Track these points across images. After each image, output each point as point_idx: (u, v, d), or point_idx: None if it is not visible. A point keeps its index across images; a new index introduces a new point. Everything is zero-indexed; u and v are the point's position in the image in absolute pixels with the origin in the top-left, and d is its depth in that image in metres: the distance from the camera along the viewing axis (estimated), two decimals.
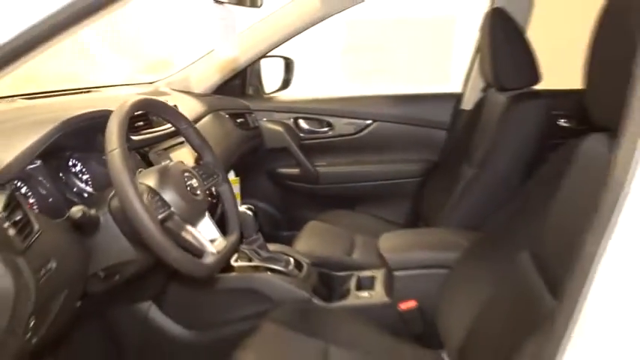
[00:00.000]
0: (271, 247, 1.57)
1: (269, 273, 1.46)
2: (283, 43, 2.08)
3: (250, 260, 1.49)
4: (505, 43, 1.60)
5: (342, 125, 2.18)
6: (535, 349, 0.77)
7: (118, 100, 1.32)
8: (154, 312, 1.48)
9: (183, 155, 1.47)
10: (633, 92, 0.62)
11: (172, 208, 1.04)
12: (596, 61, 0.89)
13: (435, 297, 1.32)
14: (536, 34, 1.79)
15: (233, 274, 1.46)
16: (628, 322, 0.62)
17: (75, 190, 1.16)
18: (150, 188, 1.03)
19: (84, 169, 1.21)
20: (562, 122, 1.98)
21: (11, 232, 0.82)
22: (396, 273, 1.42)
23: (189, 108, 1.73)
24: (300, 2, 2.01)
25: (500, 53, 1.60)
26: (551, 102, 1.55)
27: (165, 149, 1.41)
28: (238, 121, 2.07)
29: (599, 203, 0.63)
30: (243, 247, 1.50)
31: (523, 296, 1.00)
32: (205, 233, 1.13)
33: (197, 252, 1.06)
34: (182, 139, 1.48)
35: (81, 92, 1.63)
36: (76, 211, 0.97)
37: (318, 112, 2.20)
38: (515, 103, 1.55)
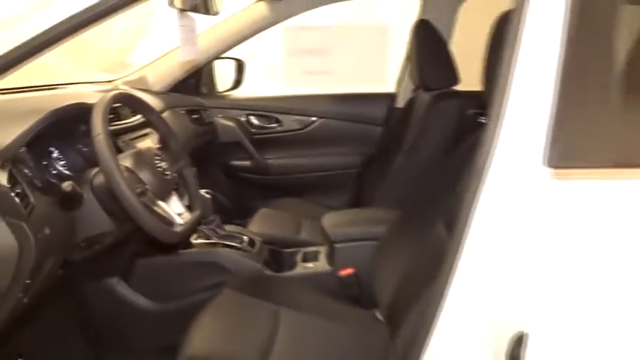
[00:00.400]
0: (227, 227, 1.76)
1: (226, 249, 1.65)
2: (235, 46, 2.26)
3: (208, 238, 1.67)
4: (429, 49, 1.86)
5: (289, 121, 2.38)
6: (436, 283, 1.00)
7: (87, 96, 1.49)
8: (121, 286, 1.62)
9: (147, 145, 1.64)
10: (496, 86, 0.87)
11: (147, 186, 1.22)
12: (488, 66, 1.15)
13: (369, 265, 1.55)
14: (462, 44, 2.06)
15: (194, 249, 1.64)
16: (495, 248, 0.86)
17: (54, 172, 1.32)
18: (127, 168, 1.21)
19: (61, 156, 1.37)
20: (482, 119, 2.26)
21: (17, 200, 0.99)
22: (337, 245, 1.65)
23: None
24: (251, 9, 2.21)
25: (424, 58, 1.85)
26: (467, 100, 1.82)
27: (132, 139, 1.57)
28: (194, 117, 2.23)
29: (473, 169, 0.88)
30: (202, 227, 1.68)
31: (437, 256, 1.23)
32: (173, 208, 1.32)
33: (167, 222, 1.24)
34: (146, 131, 1.65)
35: (48, 89, 1.76)
36: (67, 185, 1.14)
37: (268, 109, 2.40)
38: (437, 101, 1.81)
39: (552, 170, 0.82)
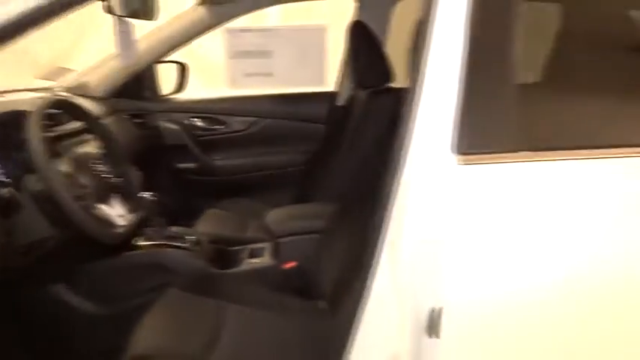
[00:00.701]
0: (173, 228, 1.78)
1: (170, 249, 1.67)
2: (176, 49, 2.28)
3: (153, 240, 1.69)
4: (364, 49, 1.93)
5: (234, 123, 2.42)
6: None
7: (24, 103, 1.49)
8: (65, 292, 1.61)
9: (87, 150, 1.64)
10: (411, 81, 0.94)
11: (87, 189, 1.24)
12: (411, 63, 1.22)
13: (312, 257, 1.61)
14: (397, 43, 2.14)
15: (138, 252, 1.65)
16: (413, 231, 0.94)
17: None
18: (66, 173, 1.23)
19: None
20: None
21: None
22: (281, 240, 1.70)
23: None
24: (191, 13, 2.23)
25: (359, 58, 1.92)
26: (401, 96, 1.89)
27: (72, 144, 1.57)
28: (137, 121, 2.24)
29: (393, 158, 0.95)
30: (146, 229, 1.70)
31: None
32: (115, 210, 1.34)
33: (108, 224, 1.27)
34: (87, 136, 1.66)
35: None
36: (5, 191, 1.15)
37: (211, 111, 2.43)
38: (372, 98, 1.89)
39: (460, 156, 0.91)
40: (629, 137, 1.02)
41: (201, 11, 2.22)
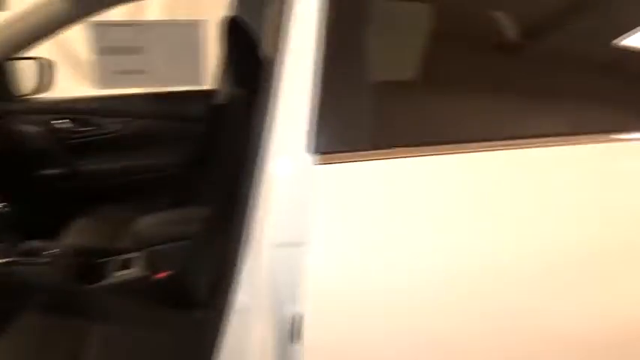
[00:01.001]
0: (32, 242, 1.61)
1: (26, 266, 1.51)
2: (35, 45, 2.07)
3: (5, 257, 1.51)
4: (239, 46, 1.86)
5: (105, 124, 2.24)
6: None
7: None
8: None
9: None
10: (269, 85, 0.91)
11: None
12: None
13: (186, 265, 1.53)
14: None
15: None
16: (276, 235, 0.90)
17: None
18: None
19: None
20: None
21: None
22: (153, 248, 1.60)
23: None
24: (50, 4, 2.03)
25: (235, 55, 1.85)
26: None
27: None
28: None
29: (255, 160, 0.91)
30: None
31: None
32: None
33: None
34: None
35: None
36: None
37: (81, 111, 2.24)
38: (249, 97, 1.82)
39: (318, 156, 0.88)
40: (487, 132, 1.05)
41: (64, 2, 2.03)
